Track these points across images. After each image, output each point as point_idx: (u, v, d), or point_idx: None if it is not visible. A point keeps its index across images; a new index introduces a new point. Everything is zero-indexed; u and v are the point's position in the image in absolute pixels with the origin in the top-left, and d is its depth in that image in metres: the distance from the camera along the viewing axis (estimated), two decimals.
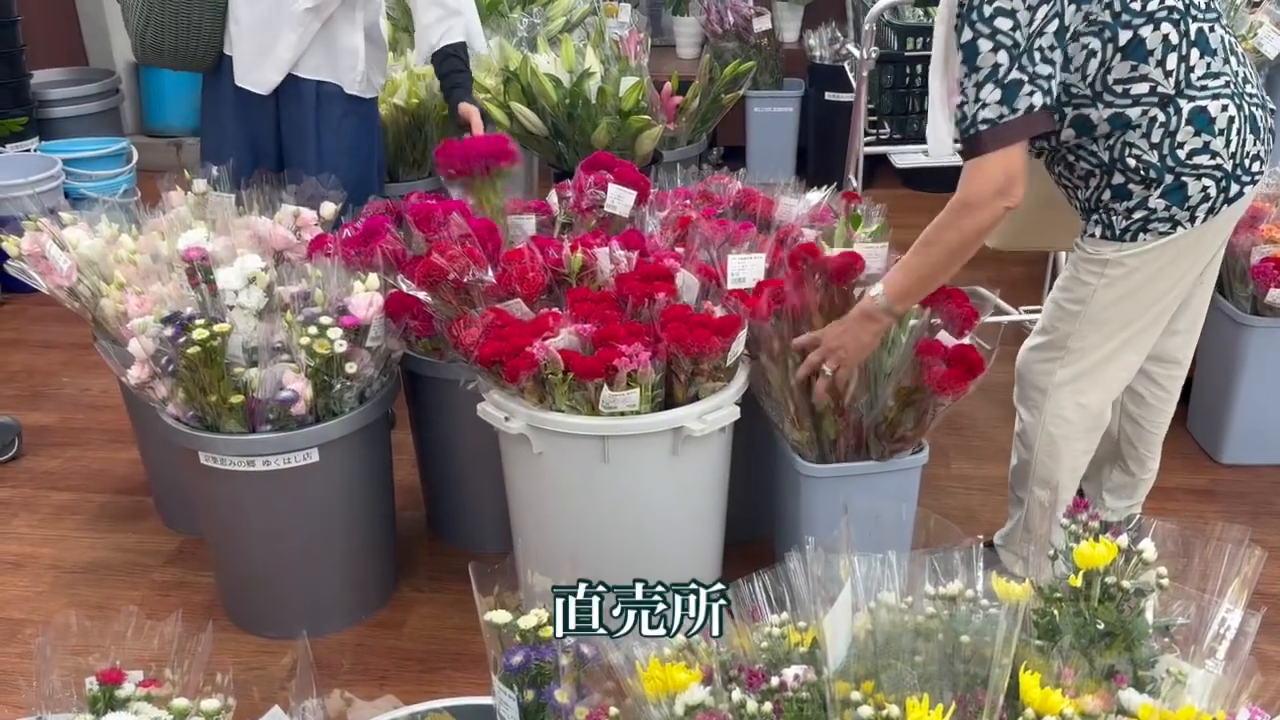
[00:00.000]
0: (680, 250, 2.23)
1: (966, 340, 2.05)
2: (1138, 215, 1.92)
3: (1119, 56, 1.82)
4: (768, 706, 1.23)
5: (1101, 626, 1.27)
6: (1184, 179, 1.88)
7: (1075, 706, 1.16)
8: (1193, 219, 1.91)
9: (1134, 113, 1.85)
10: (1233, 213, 1.97)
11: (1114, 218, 1.94)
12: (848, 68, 3.81)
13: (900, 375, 2.02)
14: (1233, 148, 1.88)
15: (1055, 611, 1.32)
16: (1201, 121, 1.85)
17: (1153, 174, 1.88)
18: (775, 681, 1.24)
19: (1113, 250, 1.96)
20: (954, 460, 2.90)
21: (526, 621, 1.36)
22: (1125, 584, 1.29)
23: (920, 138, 3.19)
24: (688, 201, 2.49)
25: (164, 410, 2.11)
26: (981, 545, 1.38)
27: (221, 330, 1.99)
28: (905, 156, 3.36)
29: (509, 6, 3.62)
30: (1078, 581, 1.30)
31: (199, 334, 1.96)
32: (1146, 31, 1.80)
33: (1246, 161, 1.91)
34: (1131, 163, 1.89)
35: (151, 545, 2.63)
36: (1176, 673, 1.26)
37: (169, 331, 2.00)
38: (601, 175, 2.37)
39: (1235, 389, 2.77)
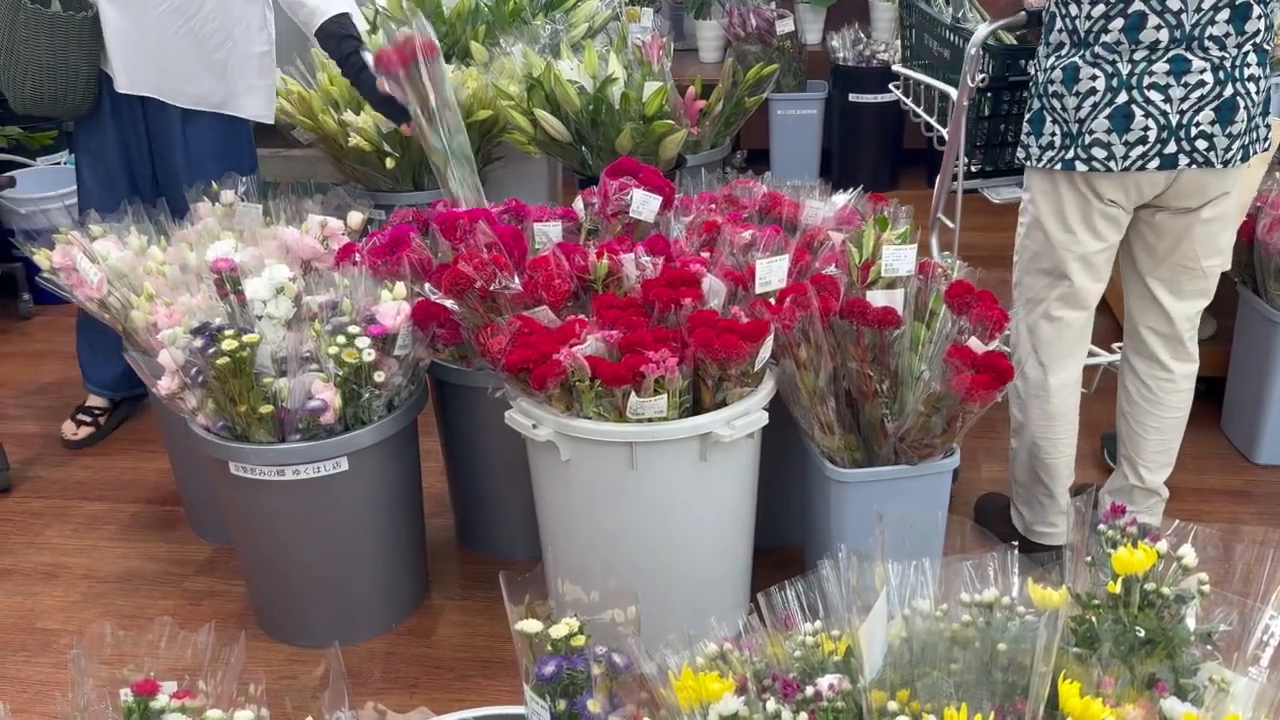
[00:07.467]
0: (706, 255, 2.22)
1: (995, 346, 2.03)
2: (1024, 135, 2.13)
3: None
4: (803, 717, 1.21)
5: (1142, 634, 1.25)
6: (1044, 113, 2.07)
7: (1116, 716, 1.14)
8: (1041, 157, 2.08)
9: (1055, 26, 2.02)
10: (1090, 207, 2.07)
11: (1023, 135, 2.15)
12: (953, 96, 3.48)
13: (929, 381, 2.00)
14: (1081, 115, 2.00)
15: (1093, 619, 1.30)
16: (1069, 73, 2.00)
17: (1035, 90, 2.09)
18: (810, 691, 1.23)
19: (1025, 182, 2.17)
20: (984, 463, 2.87)
21: (558, 631, 1.35)
22: (1165, 590, 1.27)
23: (1013, 169, 2.89)
24: (713, 206, 2.48)
25: (194, 421, 2.12)
26: (1016, 551, 1.37)
27: (250, 340, 2.00)
28: (1004, 191, 3.00)
29: (532, 13, 3.62)
30: (1116, 588, 1.28)
31: (228, 344, 1.97)
32: None
33: (1087, 139, 2.00)
34: (1031, 70, 2.13)
35: (183, 554, 2.64)
36: (1219, 681, 1.24)
37: (198, 342, 2.01)
38: (626, 181, 2.36)
39: (1271, 388, 2.73)
